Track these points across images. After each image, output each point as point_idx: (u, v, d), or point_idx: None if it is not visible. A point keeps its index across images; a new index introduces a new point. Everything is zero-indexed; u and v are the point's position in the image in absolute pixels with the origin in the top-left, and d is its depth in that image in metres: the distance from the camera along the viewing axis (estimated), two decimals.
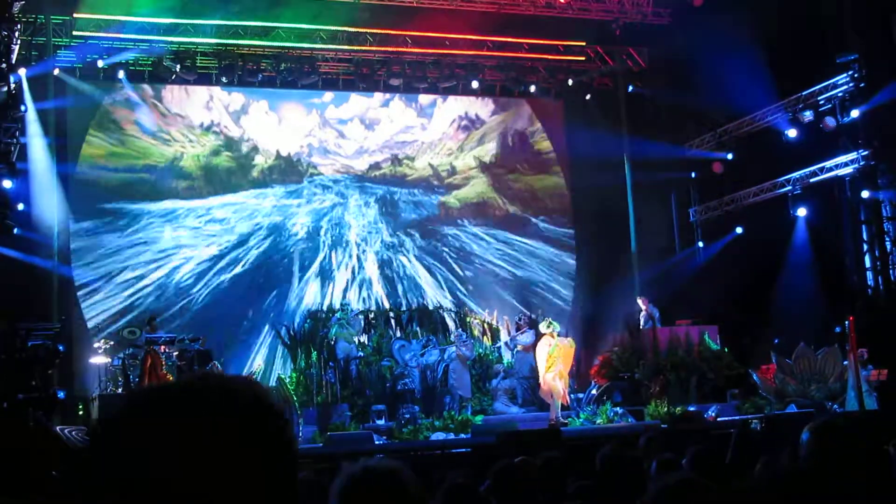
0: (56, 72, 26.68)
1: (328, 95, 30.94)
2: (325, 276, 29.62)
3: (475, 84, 30.49)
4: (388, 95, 31.50)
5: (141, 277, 27.72)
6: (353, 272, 29.93)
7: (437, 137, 32.00)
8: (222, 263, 28.58)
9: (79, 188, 27.39)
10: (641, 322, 26.75)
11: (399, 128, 31.71)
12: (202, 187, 29.11)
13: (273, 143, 30.13)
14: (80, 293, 26.90)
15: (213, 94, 29.81)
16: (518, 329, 26.10)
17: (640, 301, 27.32)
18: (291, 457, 1.73)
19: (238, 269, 28.71)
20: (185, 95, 29.49)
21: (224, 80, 28.94)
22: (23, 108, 22.94)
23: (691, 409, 22.02)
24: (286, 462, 1.71)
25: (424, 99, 32.00)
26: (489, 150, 32.36)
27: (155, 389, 1.72)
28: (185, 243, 28.43)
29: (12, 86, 21.81)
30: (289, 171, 30.20)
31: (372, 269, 30.18)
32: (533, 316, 27.38)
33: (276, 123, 30.28)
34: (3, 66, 21.21)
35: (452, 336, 25.59)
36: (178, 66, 27.74)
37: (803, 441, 5.65)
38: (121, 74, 27.92)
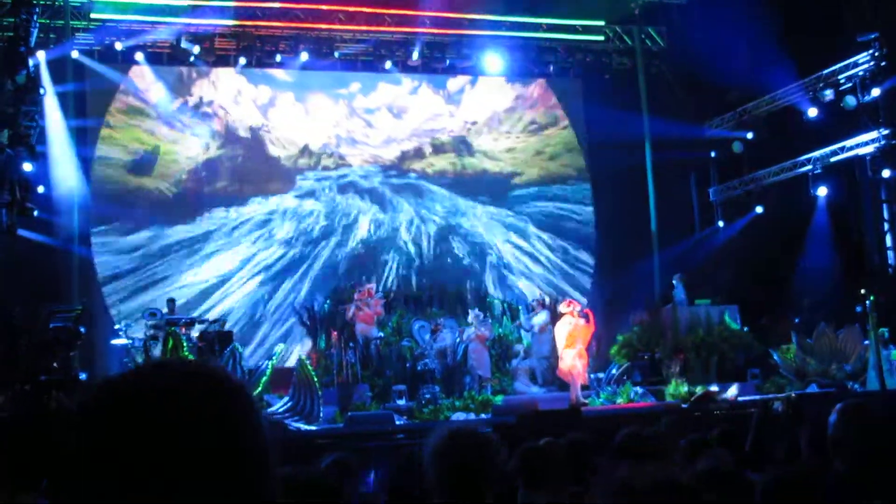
0: (74, 55, 26.68)
1: (355, 85, 30.84)
2: (345, 259, 29.59)
3: (495, 65, 30.40)
4: (415, 83, 31.39)
5: (163, 263, 27.77)
6: (374, 255, 29.90)
7: (466, 124, 31.91)
8: (248, 258, 28.64)
9: (98, 171, 27.42)
10: (677, 299, 26.54)
11: (427, 115, 31.56)
12: (225, 180, 29.13)
13: (300, 135, 30.06)
14: (100, 275, 26.95)
15: (241, 89, 29.68)
16: (532, 311, 26.11)
17: (676, 279, 27.11)
18: (261, 441, 1.72)
19: (263, 263, 28.74)
20: (213, 89, 29.48)
21: (242, 61, 28.87)
22: (42, 91, 22.98)
23: (711, 388, 21.99)
24: (255, 444, 1.71)
25: (453, 86, 31.85)
26: (512, 133, 32.26)
27: (117, 379, 1.72)
28: (213, 231, 28.49)
29: (31, 69, 21.85)
30: (316, 162, 30.14)
31: (393, 252, 30.16)
32: (549, 297, 27.35)
33: (302, 115, 30.15)
34: (23, 49, 21.25)
35: (470, 317, 25.60)
36: (197, 49, 27.72)
37: (831, 422, 5.64)
38: (139, 57, 27.85)
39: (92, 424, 1.64)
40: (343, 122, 30.66)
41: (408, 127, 31.30)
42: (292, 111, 30.13)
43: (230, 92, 29.62)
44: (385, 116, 31.11)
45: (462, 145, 31.73)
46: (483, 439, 4.60)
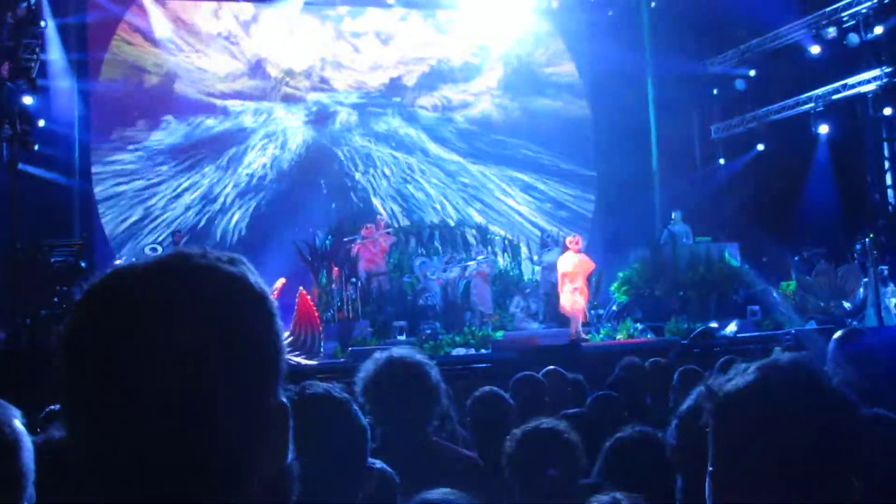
0: None
1: (343, 7, 30.73)
2: (344, 192, 29.60)
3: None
4: (405, 10, 31.23)
5: (162, 193, 27.81)
6: (372, 189, 29.90)
7: (455, 55, 31.77)
8: (242, 182, 28.68)
9: (99, 104, 27.38)
10: (675, 233, 26.56)
11: (416, 44, 31.41)
12: (219, 101, 29.09)
13: (284, 56, 29.98)
14: (101, 208, 26.97)
15: (223, 4, 29.66)
16: (545, 246, 26.13)
17: (674, 213, 27.14)
18: (276, 350, 1.71)
19: (259, 191, 28.79)
20: (193, 5, 29.41)
21: None
22: (43, 23, 22.86)
23: (711, 325, 22.06)
24: (271, 346, 1.69)
25: (443, 15, 31.68)
26: (509, 68, 32.16)
27: (130, 272, 1.68)
28: (204, 160, 28.51)
29: (32, 1, 21.74)
30: (300, 84, 30.08)
31: (390, 187, 30.16)
32: (557, 235, 27.38)
33: (287, 34, 29.98)
34: None
35: (473, 252, 25.62)
36: None
37: (830, 349, 5.70)
38: None
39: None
40: (330, 45, 30.58)
41: (395, 54, 31.22)
42: (277, 29, 29.95)
43: (212, 5, 29.64)
44: (373, 42, 30.98)
45: (452, 76, 31.62)
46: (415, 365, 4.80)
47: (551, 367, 9.57)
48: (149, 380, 1.54)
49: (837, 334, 6.01)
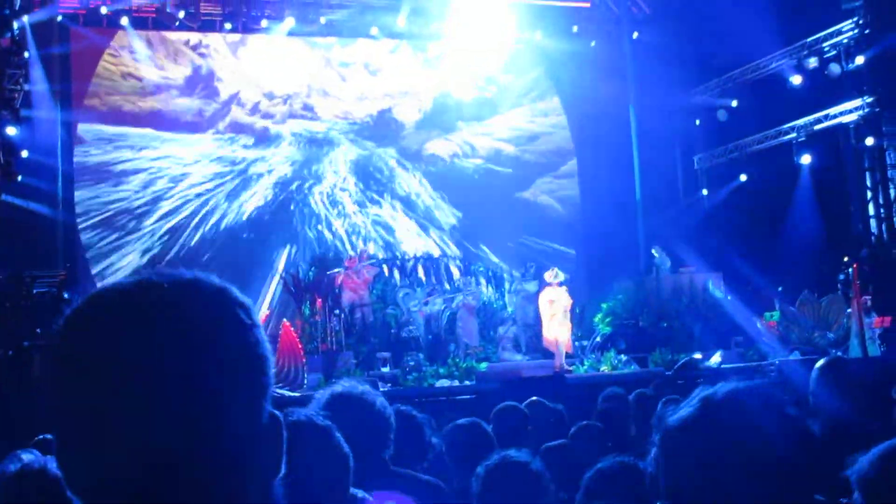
0: (59, 18, 26.56)
1: (332, 37, 30.78)
2: (328, 223, 29.59)
3: (480, 31, 30.22)
4: (396, 41, 31.29)
5: (144, 222, 27.76)
6: (353, 220, 29.91)
7: (442, 87, 31.84)
8: (226, 207, 28.64)
9: (83, 135, 27.38)
10: (658, 267, 26.65)
11: (404, 76, 31.52)
12: (205, 126, 29.12)
13: (271, 81, 30.04)
14: (83, 240, 26.92)
15: (207, 34, 29.58)
16: (524, 276, 26.16)
17: (654, 251, 27.23)
18: (260, 352, 1.70)
19: (244, 215, 28.77)
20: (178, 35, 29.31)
21: (228, 26, 28.75)
22: (26, 54, 22.86)
23: (695, 356, 22.07)
24: (256, 356, 1.68)
25: (433, 49, 31.77)
26: (495, 97, 32.24)
27: (114, 290, 1.65)
28: (190, 186, 28.46)
29: (16, 32, 21.73)
30: (287, 111, 30.09)
31: (375, 217, 30.17)
32: (539, 265, 27.40)
33: (274, 60, 30.10)
34: (7, 11, 21.12)
35: (461, 283, 25.65)
36: (182, 13, 27.63)
37: (812, 378, 5.71)
38: (124, 21, 27.77)
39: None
40: (318, 72, 30.61)
41: (383, 86, 31.24)
42: (265, 54, 30.06)
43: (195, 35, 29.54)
44: (360, 72, 31.03)
45: (438, 107, 31.71)
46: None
47: (534, 398, 9.58)
48: (139, 396, 1.53)
49: (820, 363, 6.02)
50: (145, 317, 1.58)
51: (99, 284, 20.68)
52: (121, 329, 1.57)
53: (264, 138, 29.67)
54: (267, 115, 29.80)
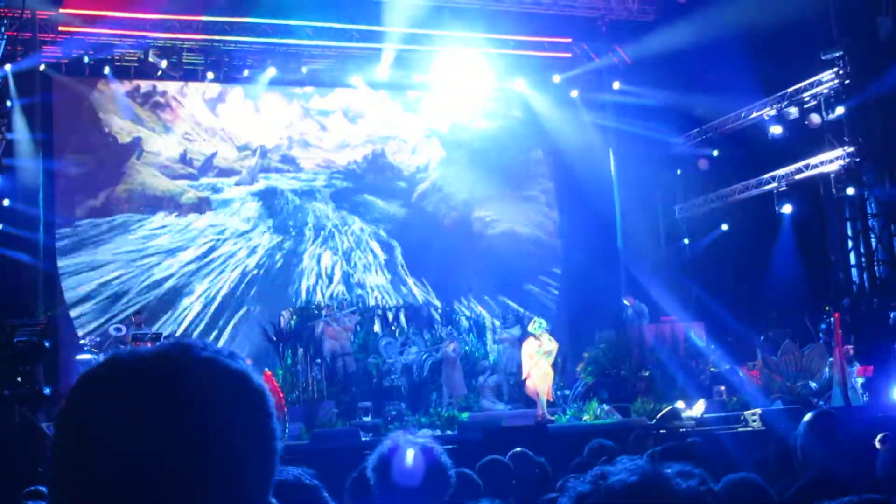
0: (42, 67, 26.58)
1: (309, 87, 30.88)
2: (308, 273, 29.59)
3: (461, 80, 30.33)
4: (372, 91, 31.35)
5: (126, 273, 27.68)
6: (335, 269, 29.88)
7: (423, 132, 31.93)
8: (206, 261, 28.59)
9: (64, 184, 27.37)
10: (630, 319, 26.77)
11: (383, 121, 31.59)
12: (185, 182, 29.08)
13: (250, 135, 30.07)
14: (65, 289, 26.84)
15: (189, 83, 29.63)
16: (505, 324, 26.19)
17: (626, 300, 27.39)
18: (273, 446, 1.69)
19: (225, 269, 28.71)
20: (160, 81, 29.27)
21: (210, 76, 28.82)
22: (9, 103, 22.89)
23: (678, 405, 22.04)
24: (268, 450, 1.67)
25: (412, 93, 31.87)
26: (474, 144, 32.30)
27: (132, 357, 1.64)
28: (174, 242, 28.42)
29: None
30: (266, 163, 30.11)
31: (355, 266, 30.14)
32: (520, 313, 27.44)
33: (253, 112, 30.16)
34: None
35: (442, 332, 25.65)
36: (165, 63, 27.69)
37: (800, 433, 5.71)
38: (106, 70, 27.84)
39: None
40: (297, 123, 30.67)
41: (363, 132, 31.31)
42: (243, 108, 30.09)
43: (177, 85, 29.55)
44: (340, 120, 31.08)
45: (418, 152, 31.79)
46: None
47: (518, 449, 9.51)
48: (140, 471, 1.51)
49: (807, 417, 6.02)
50: (160, 391, 1.57)
51: (82, 341, 20.76)
52: (131, 400, 1.56)
53: (241, 190, 29.67)
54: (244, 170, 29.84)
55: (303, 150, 30.54)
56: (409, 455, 4.35)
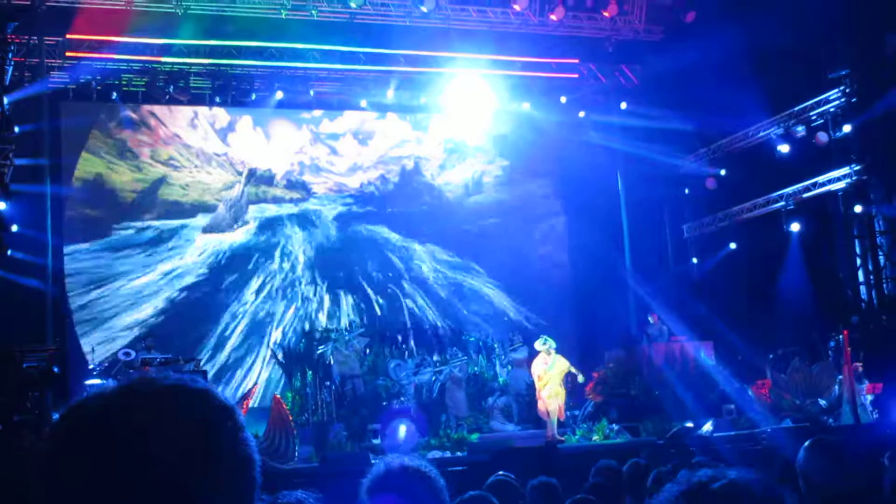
0: (49, 93, 26.62)
1: (318, 110, 30.91)
2: (318, 296, 29.56)
3: (469, 102, 30.33)
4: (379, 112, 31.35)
5: (136, 297, 27.69)
6: (344, 292, 29.85)
7: (432, 152, 31.94)
8: (217, 283, 28.60)
9: (73, 209, 27.42)
10: (653, 337, 26.72)
11: (393, 142, 31.60)
12: (192, 207, 29.09)
13: (262, 161, 30.05)
14: (74, 314, 26.86)
15: (198, 111, 29.66)
16: (511, 346, 26.17)
17: (650, 317, 27.35)
18: (245, 455, 1.71)
19: (237, 290, 28.72)
20: (169, 113, 29.35)
21: (218, 100, 28.87)
22: (16, 129, 22.90)
23: (687, 425, 22.01)
24: (242, 459, 1.69)
25: (421, 112, 31.89)
26: (482, 166, 32.31)
27: (102, 395, 1.69)
28: (179, 265, 28.42)
29: (6, 106, 21.79)
30: (278, 189, 30.11)
31: (365, 288, 30.11)
32: (527, 333, 27.40)
33: (264, 140, 30.17)
34: None
35: (447, 354, 25.61)
36: (172, 87, 27.73)
37: (799, 459, 5.69)
38: (114, 95, 27.90)
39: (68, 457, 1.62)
40: (307, 149, 30.66)
41: (374, 154, 31.31)
42: (253, 136, 30.10)
43: (187, 116, 29.63)
44: (350, 143, 31.06)
45: (429, 173, 31.77)
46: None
47: (500, 474, 9.37)
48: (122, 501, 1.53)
49: (806, 444, 5.99)
50: (128, 428, 1.60)
51: (90, 365, 20.72)
52: (103, 441, 1.59)
53: (260, 220, 29.70)
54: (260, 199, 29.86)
55: (314, 175, 30.49)
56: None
